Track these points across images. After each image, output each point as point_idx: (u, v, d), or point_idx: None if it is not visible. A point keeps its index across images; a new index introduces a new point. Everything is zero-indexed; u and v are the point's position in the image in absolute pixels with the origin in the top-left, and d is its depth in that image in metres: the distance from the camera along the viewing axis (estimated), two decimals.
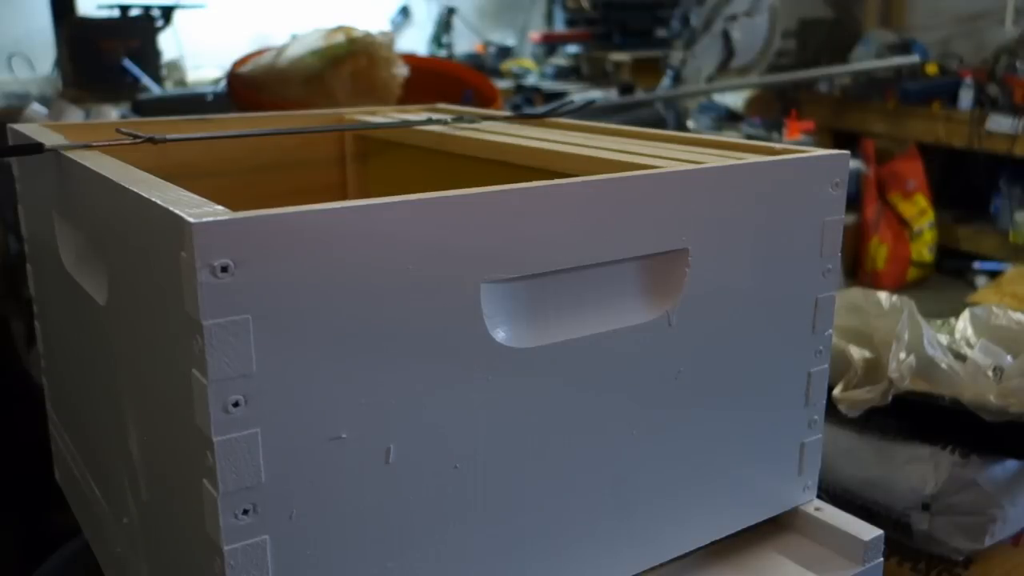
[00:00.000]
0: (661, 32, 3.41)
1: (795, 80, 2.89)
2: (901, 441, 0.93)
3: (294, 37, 1.55)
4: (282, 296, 0.37)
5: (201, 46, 2.80)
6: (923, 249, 2.75)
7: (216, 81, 2.39)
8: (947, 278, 2.78)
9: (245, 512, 0.38)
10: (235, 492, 0.38)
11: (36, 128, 0.65)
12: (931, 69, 2.79)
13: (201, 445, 0.37)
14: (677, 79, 2.94)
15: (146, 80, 2.13)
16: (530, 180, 0.43)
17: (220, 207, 0.37)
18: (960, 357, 0.92)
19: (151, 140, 0.59)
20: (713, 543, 0.56)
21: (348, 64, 1.40)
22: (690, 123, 2.87)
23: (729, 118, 2.99)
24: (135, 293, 0.45)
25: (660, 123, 2.59)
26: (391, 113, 0.82)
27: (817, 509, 0.59)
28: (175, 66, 2.60)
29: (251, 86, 1.48)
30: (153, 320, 0.42)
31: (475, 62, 3.26)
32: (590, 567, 0.50)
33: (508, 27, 3.80)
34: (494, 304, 0.43)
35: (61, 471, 0.73)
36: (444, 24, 3.54)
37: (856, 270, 2.76)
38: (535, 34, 3.64)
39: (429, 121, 0.72)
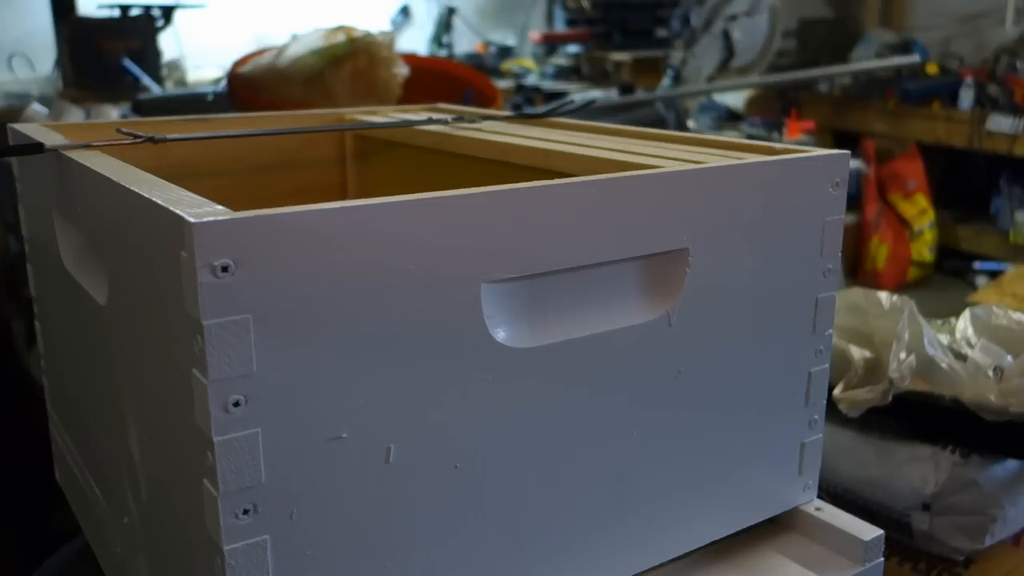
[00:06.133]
0: (661, 32, 3.42)
1: (795, 80, 2.89)
2: (901, 441, 0.93)
3: (294, 37, 1.55)
4: (282, 296, 0.37)
5: (201, 46, 2.81)
6: (923, 249, 2.75)
7: (216, 81, 2.39)
8: (947, 278, 2.78)
9: (245, 512, 0.38)
10: (235, 492, 0.38)
11: (36, 128, 0.65)
12: (931, 69, 2.79)
13: (201, 445, 0.37)
14: (677, 79, 2.94)
15: (146, 80, 2.13)
16: (531, 180, 0.43)
17: (220, 207, 0.37)
18: (960, 357, 0.92)
19: (151, 140, 0.59)
20: (713, 543, 0.56)
21: (348, 64, 1.40)
22: (690, 123, 2.87)
23: (729, 118, 2.99)
24: (135, 293, 0.45)
25: (660, 123, 2.59)
26: (391, 113, 0.82)
27: (817, 509, 0.59)
28: (175, 66, 2.61)
29: (251, 86, 1.48)
30: (153, 320, 0.42)
31: (475, 62, 3.27)
32: (590, 566, 0.50)
33: (508, 27, 3.80)
34: (494, 304, 0.43)
35: (61, 471, 0.73)
36: (444, 24, 3.54)
37: (856, 270, 2.76)
38: (535, 34, 3.64)
39: (429, 121, 0.72)
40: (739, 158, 0.53)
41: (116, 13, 2.30)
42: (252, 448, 0.37)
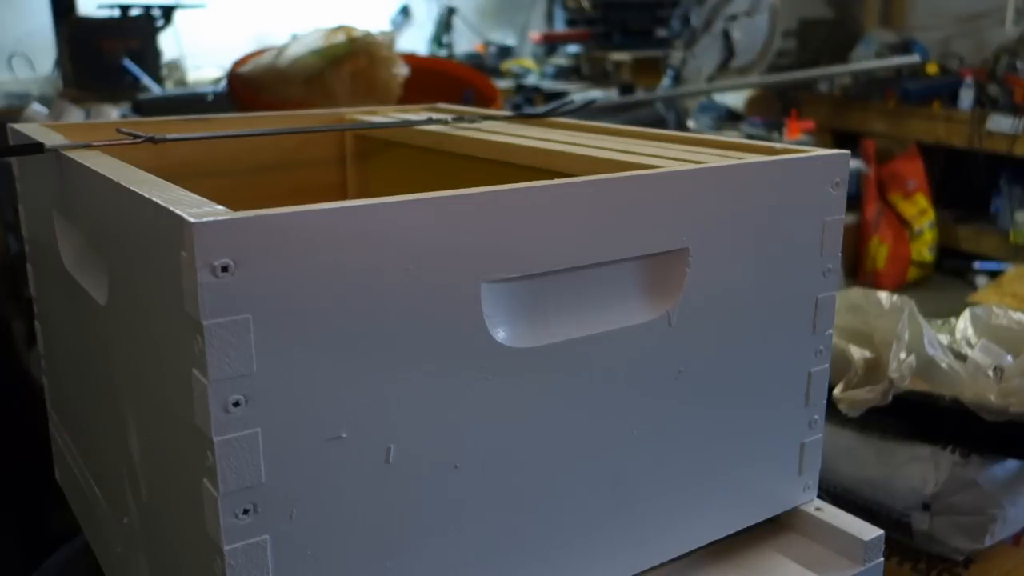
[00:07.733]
0: (661, 32, 3.42)
1: (795, 80, 2.89)
2: (901, 441, 0.93)
3: (294, 37, 1.55)
4: (282, 296, 0.37)
5: (201, 46, 2.81)
6: (923, 249, 2.75)
7: (216, 81, 2.39)
8: (947, 278, 2.78)
9: (245, 512, 0.38)
10: (235, 492, 0.38)
11: (36, 128, 0.65)
12: (931, 69, 2.78)
13: (201, 445, 0.37)
14: (677, 79, 2.94)
15: (146, 80, 2.13)
16: (531, 180, 0.43)
17: (220, 207, 0.37)
18: (960, 357, 0.92)
19: (151, 140, 0.59)
20: (713, 543, 0.56)
21: (348, 64, 1.40)
22: (690, 123, 2.87)
23: (729, 118, 2.99)
24: (135, 293, 0.45)
25: (660, 123, 2.59)
26: (391, 113, 0.82)
27: (817, 509, 0.59)
28: (175, 66, 2.61)
29: (251, 86, 1.48)
30: (153, 320, 0.42)
31: (475, 62, 3.27)
32: (590, 566, 0.50)
33: (508, 27, 3.80)
34: (494, 304, 0.43)
35: (61, 471, 0.73)
36: (444, 24, 3.54)
37: (856, 270, 2.76)
38: (535, 34, 3.64)
39: (429, 121, 0.72)
40: (739, 158, 0.53)
41: (116, 13, 2.30)
42: (252, 448, 0.37)
